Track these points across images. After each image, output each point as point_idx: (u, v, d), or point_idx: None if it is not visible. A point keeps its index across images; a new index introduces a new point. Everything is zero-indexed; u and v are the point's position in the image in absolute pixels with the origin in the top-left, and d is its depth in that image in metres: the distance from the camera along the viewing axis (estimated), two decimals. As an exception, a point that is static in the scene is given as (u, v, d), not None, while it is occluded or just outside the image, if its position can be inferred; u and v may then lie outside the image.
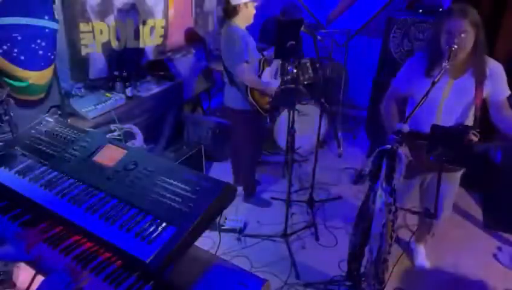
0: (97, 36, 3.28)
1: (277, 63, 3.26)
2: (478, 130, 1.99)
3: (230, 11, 2.86)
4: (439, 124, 2.05)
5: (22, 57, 2.44)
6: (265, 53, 3.19)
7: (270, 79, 3.13)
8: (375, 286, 1.98)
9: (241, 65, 2.80)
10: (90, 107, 3.03)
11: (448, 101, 2.12)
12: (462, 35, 1.96)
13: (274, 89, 3.08)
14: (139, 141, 2.14)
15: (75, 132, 1.81)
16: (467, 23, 1.96)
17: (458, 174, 2.38)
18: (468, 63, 2.07)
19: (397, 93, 2.34)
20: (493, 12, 3.33)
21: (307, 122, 3.94)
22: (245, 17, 2.88)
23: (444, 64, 1.92)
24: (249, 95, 2.95)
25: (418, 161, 2.01)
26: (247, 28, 2.96)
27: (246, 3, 2.82)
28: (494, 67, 2.11)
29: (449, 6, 2.24)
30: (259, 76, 3.02)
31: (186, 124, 4.02)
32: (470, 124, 2.12)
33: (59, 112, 2.74)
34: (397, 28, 3.68)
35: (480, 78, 2.07)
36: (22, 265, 1.43)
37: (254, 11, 2.91)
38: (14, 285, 1.40)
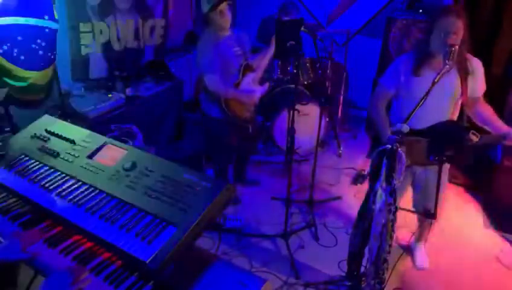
0: (97, 36, 3.28)
1: (262, 68, 3.06)
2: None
3: (204, 21, 2.75)
4: (427, 121, 2.12)
5: (22, 57, 2.44)
6: (250, 59, 2.99)
7: (254, 86, 2.96)
8: (375, 286, 1.98)
9: (209, 75, 2.71)
10: (90, 107, 3.03)
11: (433, 98, 2.11)
12: (457, 34, 2.04)
13: (256, 97, 2.90)
14: (139, 141, 2.15)
15: (75, 131, 1.81)
16: (461, 24, 2.05)
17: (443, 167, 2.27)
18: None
19: (386, 92, 2.37)
20: (493, 12, 3.33)
21: (306, 122, 3.94)
22: (218, 24, 2.72)
23: (446, 63, 1.93)
24: (223, 103, 2.81)
25: (407, 156, 2.00)
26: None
27: (216, 10, 2.64)
28: (476, 64, 2.20)
29: (446, 6, 2.31)
30: (238, 84, 2.86)
31: (186, 124, 4.02)
32: (455, 120, 2.21)
33: (59, 112, 2.74)
34: (397, 28, 3.67)
35: (464, 75, 2.16)
36: None
37: (228, 15, 2.71)
38: None
